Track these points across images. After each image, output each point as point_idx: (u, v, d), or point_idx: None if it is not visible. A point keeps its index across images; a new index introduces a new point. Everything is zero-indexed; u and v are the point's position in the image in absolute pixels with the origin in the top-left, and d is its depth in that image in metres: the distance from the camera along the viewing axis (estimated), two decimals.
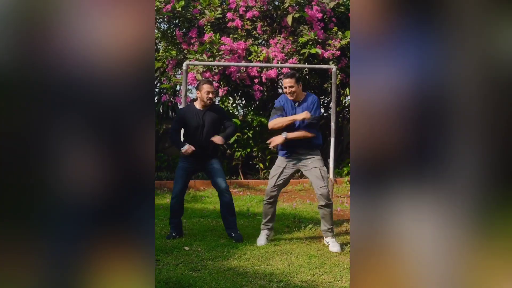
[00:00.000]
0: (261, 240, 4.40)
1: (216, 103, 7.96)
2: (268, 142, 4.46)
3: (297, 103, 4.34)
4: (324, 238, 4.37)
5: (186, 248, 4.18)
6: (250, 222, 5.23)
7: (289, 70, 7.59)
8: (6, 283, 1.80)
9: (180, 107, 7.94)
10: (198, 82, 7.37)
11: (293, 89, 4.28)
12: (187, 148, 4.47)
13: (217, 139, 4.49)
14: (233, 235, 4.47)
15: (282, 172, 4.36)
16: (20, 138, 1.80)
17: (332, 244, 4.24)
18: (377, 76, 2.03)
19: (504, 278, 1.87)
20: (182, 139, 4.74)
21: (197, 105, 4.62)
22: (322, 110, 9.21)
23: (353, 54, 2.14)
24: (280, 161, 4.40)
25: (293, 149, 4.33)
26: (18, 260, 1.82)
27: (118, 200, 1.93)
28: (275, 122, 4.31)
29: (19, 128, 1.80)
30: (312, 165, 4.31)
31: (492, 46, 1.91)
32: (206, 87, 4.55)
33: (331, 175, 6.82)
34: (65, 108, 1.82)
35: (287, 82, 4.29)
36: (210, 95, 4.54)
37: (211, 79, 7.14)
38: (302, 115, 4.23)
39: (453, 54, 1.94)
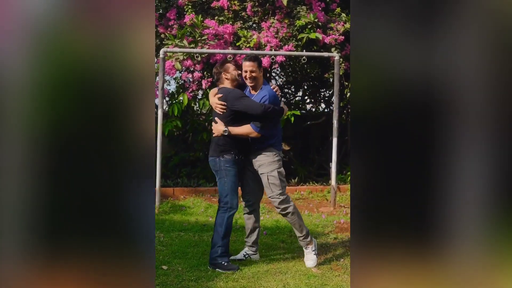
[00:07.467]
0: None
1: (199, 97, 8.01)
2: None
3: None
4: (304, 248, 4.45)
5: (164, 267, 4.24)
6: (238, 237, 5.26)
7: (284, 59, 7.65)
8: None
9: (156, 100, 7.94)
10: (177, 71, 7.41)
11: (254, 74, 4.26)
12: None
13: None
14: None
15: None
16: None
17: (307, 257, 4.36)
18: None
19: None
20: None
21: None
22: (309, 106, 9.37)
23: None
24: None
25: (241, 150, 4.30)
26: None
27: (119, 198, 2.42)
28: None
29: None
30: (260, 171, 4.31)
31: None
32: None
33: (333, 181, 6.89)
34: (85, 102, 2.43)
35: (247, 66, 4.26)
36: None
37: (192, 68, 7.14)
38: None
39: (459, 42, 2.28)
